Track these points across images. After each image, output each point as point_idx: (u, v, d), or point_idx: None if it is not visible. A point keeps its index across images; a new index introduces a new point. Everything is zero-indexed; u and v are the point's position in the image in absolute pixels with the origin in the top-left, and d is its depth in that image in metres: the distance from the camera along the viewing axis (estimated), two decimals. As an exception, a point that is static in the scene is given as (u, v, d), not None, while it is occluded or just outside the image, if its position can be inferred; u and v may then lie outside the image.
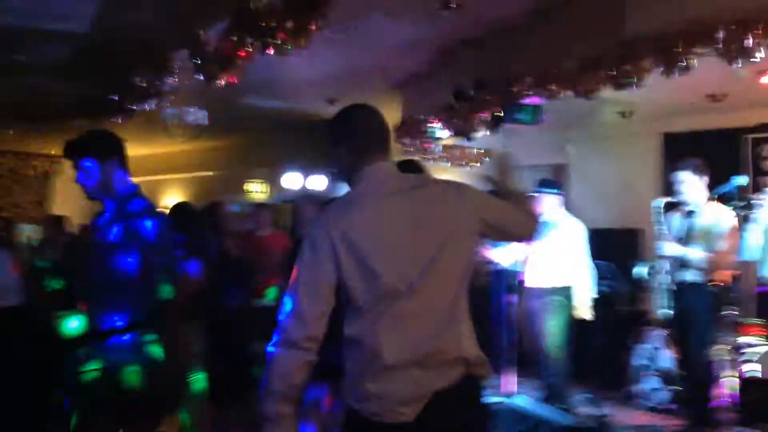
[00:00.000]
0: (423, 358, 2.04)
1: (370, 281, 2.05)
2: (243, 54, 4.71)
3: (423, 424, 2.02)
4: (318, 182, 9.61)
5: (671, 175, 5.28)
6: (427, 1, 5.34)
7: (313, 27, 4.16)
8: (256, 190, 11.58)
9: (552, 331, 5.60)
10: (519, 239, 2.62)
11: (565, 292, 5.68)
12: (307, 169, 9.74)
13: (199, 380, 4.04)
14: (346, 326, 2.11)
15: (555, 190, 5.89)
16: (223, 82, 5.01)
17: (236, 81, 4.76)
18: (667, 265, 5.32)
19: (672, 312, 5.40)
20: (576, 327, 5.70)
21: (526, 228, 2.38)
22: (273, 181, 10.98)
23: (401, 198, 2.13)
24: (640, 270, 5.74)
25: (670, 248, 5.13)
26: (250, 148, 11.31)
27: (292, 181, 9.74)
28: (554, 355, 5.60)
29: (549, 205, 5.80)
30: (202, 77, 5.07)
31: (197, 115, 5.89)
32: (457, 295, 2.14)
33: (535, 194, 5.76)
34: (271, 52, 4.44)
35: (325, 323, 2.08)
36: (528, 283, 5.82)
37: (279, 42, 4.33)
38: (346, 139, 2.20)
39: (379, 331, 2.05)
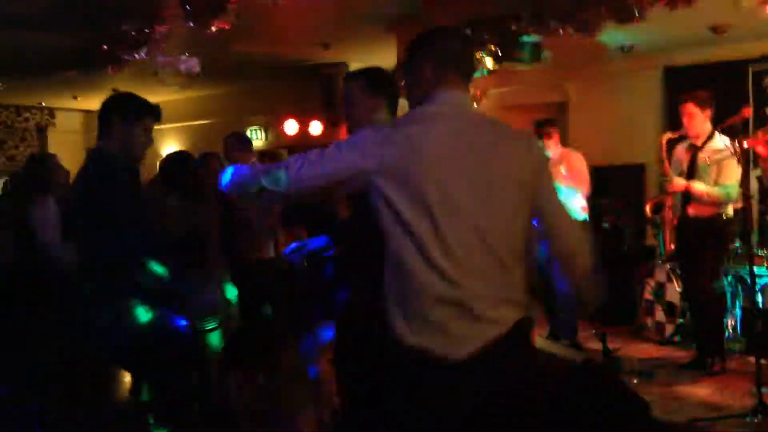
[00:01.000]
0: (486, 294, 1.97)
1: (431, 201, 1.94)
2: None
3: (479, 363, 1.94)
4: (316, 128, 9.52)
5: (677, 107, 5.20)
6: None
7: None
8: (254, 138, 11.47)
9: None
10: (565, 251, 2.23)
11: None
12: (306, 115, 9.62)
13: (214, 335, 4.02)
14: (396, 253, 1.99)
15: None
16: (214, 29, 4.89)
17: (228, 27, 4.64)
18: (671, 200, 5.30)
19: (678, 246, 5.42)
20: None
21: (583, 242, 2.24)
22: (271, 127, 10.88)
23: (473, 128, 2.06)
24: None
25: (676, 183, 5.10)
26: (246, 96, 11.14)
27: (291, 127, 9.63)
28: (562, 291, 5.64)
29: (551, 144, 5.79)
30: (192, 24, 4.94)
31: (189, 63, 5.77)
32: (517, 236, 2.06)
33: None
34: (264, -5, 4.31)
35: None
36: None
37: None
38: (427, 58, 2.12)
39: (438, 258, 1.94)
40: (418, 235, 1.95)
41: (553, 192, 2.17)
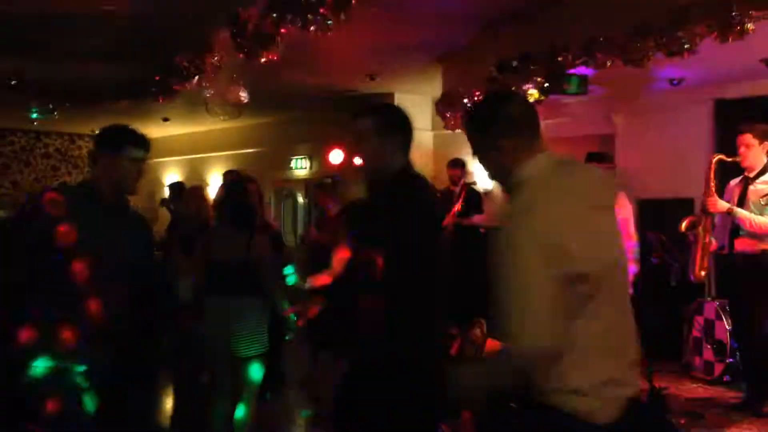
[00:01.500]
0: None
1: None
2: (284, 31, 4.67)
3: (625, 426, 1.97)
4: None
5: (728, 140, 5.11)
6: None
7: (353, 1, 4.10)
8: (300, 167, 11.62)
9: None
10: None
11: None
12: (351, 145, 9.72)
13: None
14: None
15: (605, 162, 5.81)
16: (263, 60, 4.99)
17: (277, 58, 4.73)
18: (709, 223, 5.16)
19: (725, 283, 5.29)
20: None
21: None
22: (317, 156, 11.00)
23: (593, 189, 2.12)
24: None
25: (718, 204, 4.99)
26: (293, 125, 11.33)
27: (336, 156, 9.73)
28: None
29: None
30: (242, 55, 5.05)
31: (237, 93, 5.88)
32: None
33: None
34: (313, 29, 4.40)
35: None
36: None
37: (320, 17, 4.27)
38: (503, 128, 2.07)
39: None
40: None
41: None
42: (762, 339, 4.95)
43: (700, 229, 5.16)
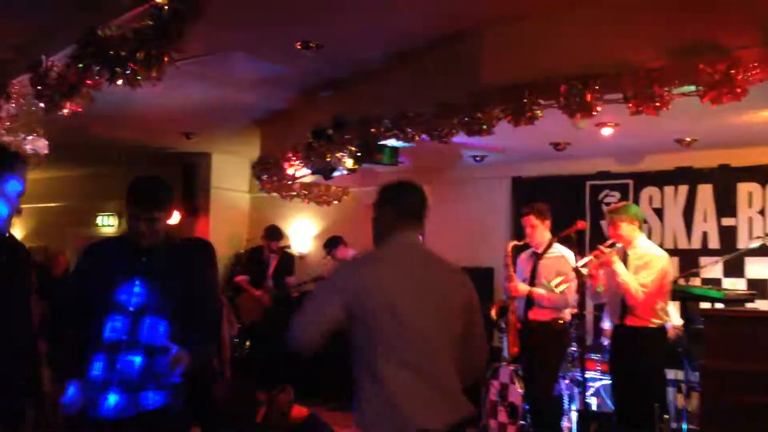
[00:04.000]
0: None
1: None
2: (90, 83, 4.47)
3: None
4: (173, 217, 9.24)
5: (522, 218, 5.55)
6: (287, 41, 5.33)
7: (166, 59, 4.02)
8: (108, 224, 11.02)
9: None
10: (469, 367, 2.70)
11: None
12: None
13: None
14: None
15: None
16: (66, 111, 4.72)
17: (81, 110, 4.50)
18: (515, 304, 5.56)
19: (521, 348, 5.64)
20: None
21: (480, 363, 2.84)
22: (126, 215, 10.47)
23: (414, 265, 2.60)
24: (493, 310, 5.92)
25: (520, 288, 5.37)
26: (100, 180, 10.75)
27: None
28: None
29: None
30: (43, 105, 4.75)
31: (36, 144, 5.50)
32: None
33: None
34: (121, 83, 4.24)
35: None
36: None
37: (129, 72, 4.14)
38: (393, 205, 2.67)
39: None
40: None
41: (478, 323, 2.70)
42: (549, 401, 5.30)
43: (510, 313, 5.54)
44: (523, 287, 5.36)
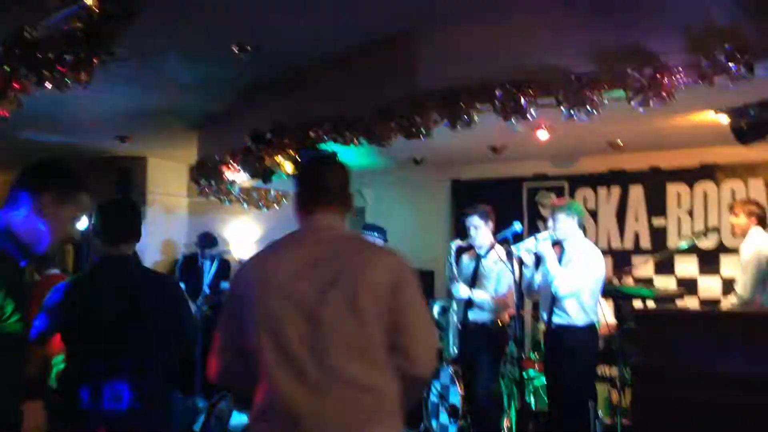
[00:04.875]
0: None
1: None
2: (17, 86, 4.32)
3: None
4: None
5: (463, 219, 5.60)
6: (223, 43, 5.26)
7: (96, 61, 3.92)
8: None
9: None
10: (411, 364, 2.17)
11: None
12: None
13: None
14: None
15: (379, 234, 6.15)
16: (-8, 115, 4.55)
17: (7, 115, 4.35)
18: (455, 305, 5.62)
19: (461, 350, 5.70)
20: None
21: (428, 359, 2.20)
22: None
23: (308, 248, 2.19)
24: (433, 310, 5.96)
25: (462, 290, 5.42)
26: (31, 185, 10.40)
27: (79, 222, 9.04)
28: None
29: None
30: (-35, 108, 4.57)
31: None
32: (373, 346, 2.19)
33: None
34: (50, 86, 4.12)
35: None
36: None
37: (58, 75, 4.02)
38: (302, 185, 2.32)
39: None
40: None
41: (414, 310, 2.17)
42: (489, 401, 5.37)
43: (450, 312, 5.58)
44: (465, 290, 5.42)
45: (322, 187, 2.28)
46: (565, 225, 5.00)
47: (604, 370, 5.76)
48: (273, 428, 2.07)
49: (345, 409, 2.04)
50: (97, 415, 2.79)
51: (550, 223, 5.14)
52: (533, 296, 5.49)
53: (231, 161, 6.83)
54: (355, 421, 2.05)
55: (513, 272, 5.14)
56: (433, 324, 2.42)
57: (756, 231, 5.30)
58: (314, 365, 2.04)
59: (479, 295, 5.40)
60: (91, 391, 2.81)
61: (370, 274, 2.12)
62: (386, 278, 2.12)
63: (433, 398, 6.36)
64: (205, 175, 7.51)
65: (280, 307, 2.08)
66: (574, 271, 4.88)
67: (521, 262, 5.07)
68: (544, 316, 5.18)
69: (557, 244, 5.10)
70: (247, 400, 2.16)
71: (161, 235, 9.43)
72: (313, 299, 2.07)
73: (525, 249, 5.05)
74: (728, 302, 5.78)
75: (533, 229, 7.48)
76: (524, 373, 5.60)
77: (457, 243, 5.68)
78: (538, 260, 5.10)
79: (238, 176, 7.03)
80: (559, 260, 4.99)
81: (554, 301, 4.96)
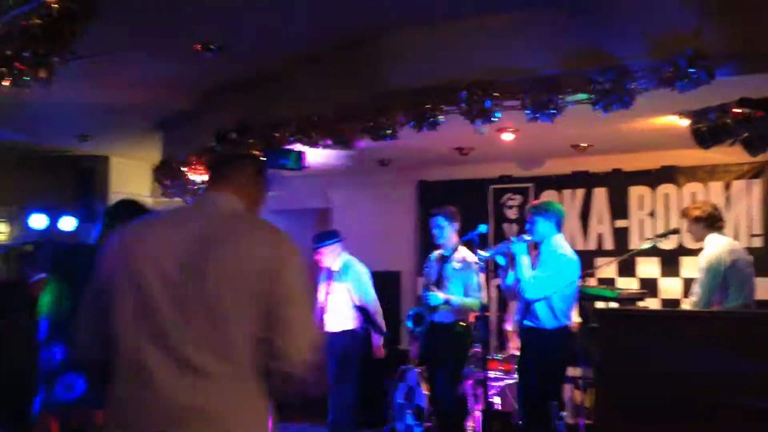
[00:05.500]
0: None
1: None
2: (-27, 83, 4.21)
3: None
4: (68, 223, 8.85)
5: (430, 220, 5.59)
6: (186, 42, 5.20)
7: (56, 59, 3.84)
8: (-4, 231, 10.42)
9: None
10: (281, 362, 1.92)
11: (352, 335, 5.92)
12: (57, 209, 8.96)
13: None
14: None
15: (334, 240, 6.08)
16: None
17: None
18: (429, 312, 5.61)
19: (425, 351, 5.70)
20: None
21: (300, 358, 1.91)
22: (16, 221, 9.95)
23: (184, 225, 1.98)
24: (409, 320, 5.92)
25: (439, 296, 5.39)
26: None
27: (38, 221, 8.87)
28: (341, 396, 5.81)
29: (331, 256, 6.02)
30: None
31: None
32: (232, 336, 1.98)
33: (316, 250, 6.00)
34: (7, 83, 4.02)
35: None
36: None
37: (16, 73, 3.93)
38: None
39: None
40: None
41: (285, 299, 1.93)
42: (453, 402, 5.39)
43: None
44: (440, 295, 5.40)
45: (221, 171, 2.11)
46: (541, 227, 4.98)
47: (568, 370, 5.80)
48: (129, 411, 1.86)
49: (196, 398, 1.83)
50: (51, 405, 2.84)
51: (527, 225, 5.13)
52: (511, 297, 5.49)
53: (195, 161, 6.76)
54: (206, 411, 1.83)
55: (477, 273, 5.16)
56: (312, 315, 2.15)
57: (712, 237, 5.34)
58: (166, 351, 1.84)
59: (449, 298, 5.40)
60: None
61: (244, 254, 1.91)
62: (259, 262, 1.90)
63: (399, 400, 6.36)
64: (169, 175, 7.42)
65: (146, 286, 1.88)
66: (544, 276, 4.85)
67: (496, 265, 5.08)
68: (518, 317, 5.19)
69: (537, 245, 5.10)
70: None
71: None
72: (176, 280, 1.87)
73: (490, 254, 5.08)
74: (686, 304, 5.87)
75: (499, 231, 7.55)
76: (489, 374, 5.65)
77: (436, 252, 5.68)
78: (513, 261, 5.08)
79: (202, 177, 6.95)
80: (537, 262, 4.98)
81: (526, 303, 4.97)
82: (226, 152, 2.47)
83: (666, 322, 4.32)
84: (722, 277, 5.14)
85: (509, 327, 6.58)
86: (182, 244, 1.92)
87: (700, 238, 5.38)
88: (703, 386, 3.86)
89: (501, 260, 5.12)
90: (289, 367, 1.90)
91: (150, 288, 1.88)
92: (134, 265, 1.91)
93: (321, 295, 6.02)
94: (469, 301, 5.37)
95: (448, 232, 5.45)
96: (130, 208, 3.01)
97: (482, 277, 5.55)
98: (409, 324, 5.74)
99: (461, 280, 5.42)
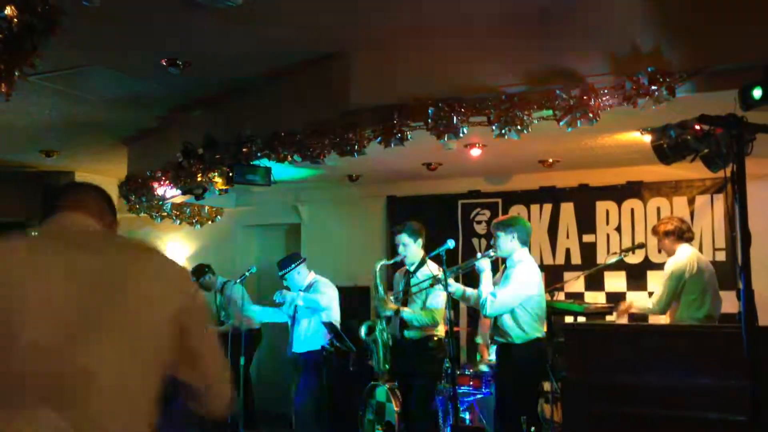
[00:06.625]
0: None
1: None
2: (-68, 98, 4.12)
3: None
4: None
5: (393, 236, 5.61)
6: (152, 57, 5.16)
7: (17, 74, 3.77)
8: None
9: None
10: (205, 407, 1.86)
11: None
12: (26, 227, 8.80)
13: None
14: None
15: (297, 263, 6.19)
16: None
17: None
18: (383, 324, 5.60)
19: (392, 366, 5.69)
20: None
21: (224, 402, 1.87)
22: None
23: (66, 254, 1.70)
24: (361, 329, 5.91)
25: (390, 306, 5.41)
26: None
27: None
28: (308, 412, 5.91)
29: (299, 278, 6.17)
30: None
31: None
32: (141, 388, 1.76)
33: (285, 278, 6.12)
34: (-34, 98, 3.94)
35: None
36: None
37: (-25, 87, 3.85)
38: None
39: None
40: None
41: (200, 342, 1.83)
42: (424, 418, 5.37)
43: (377, 331, 5.56)
44: (393, 306, 5.41)
45: (72, 197, 1.90)
46: (504, 243, 5.00)
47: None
48: None
49: None
50: None
51: (492, 240, 5.16)
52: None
53: (162, 176, 6.69)
54: None
55: (447, 289, 5.16)
56: (222, 352, 1.97)
57: (682, 248, 5.48)
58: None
59: (408, 312, 5.39)
60: None
61: (146, 292, 1.72)
62: (178, 298, 1.77)
63: (369, 416, 6.32)
64: (135, 191, 7.33)
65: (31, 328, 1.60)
66: (503, 291, 4.86)
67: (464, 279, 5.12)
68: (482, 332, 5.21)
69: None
70: None
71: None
72: (72, 325, 1.62)
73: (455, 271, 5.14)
74: (648, 302, 5.93)
75: (467, 246, 7.57)
76: (459, 389, 5.64)
77: (383, 262, 5.68)
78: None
79: (169, 192, 6.89)
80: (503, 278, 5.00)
81: (493, 319, 4.99)
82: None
83: (628, 337, 4.36)
84: (683, 284, 5.32)
85: (479, 341, 6.59)
86: (71, 284, 1.69)
87: (671, 251, 5.51)
88: (668, 400, 3.90)
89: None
90: (217, 410, 1.88)
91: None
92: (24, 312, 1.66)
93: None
94: (421, 316, 5.34)
95: (411, 248, 5.45)
96: None
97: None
98: (363, 330, 5.74)
99: (425, 296, 5.42)
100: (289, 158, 5.58)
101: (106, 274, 1.70)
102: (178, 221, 8.22)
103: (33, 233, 1.89)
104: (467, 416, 6.15)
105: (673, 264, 5.43)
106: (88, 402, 1.60)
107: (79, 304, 1.64)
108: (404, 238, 5.44)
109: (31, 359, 1.59)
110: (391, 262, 5.65)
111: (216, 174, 6.19)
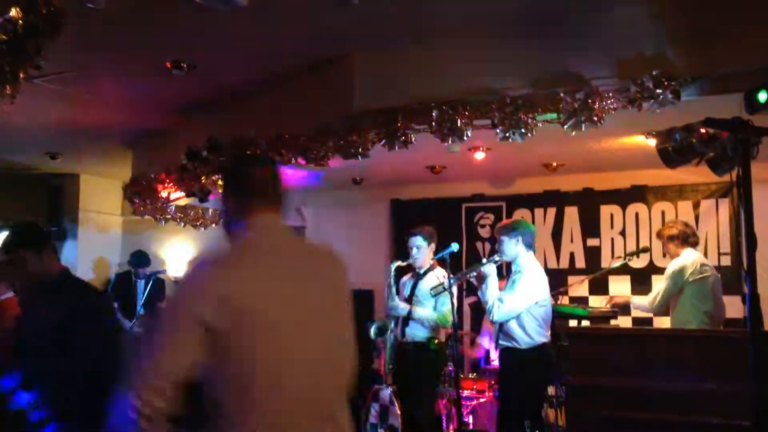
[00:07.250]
0: None
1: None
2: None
3: None
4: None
5: (409, 239, 5.55)
6: (157, 60, 5.17)
7: (22, 76, 3.78)
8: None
9: None
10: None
11: None
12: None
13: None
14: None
15: None
16: None
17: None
18: (393, 325, 5.58)
19: (397, 369, 5.66)
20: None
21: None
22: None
23: (289, 260, 2.01)
24: (372, 329, 5.89)
25: (401, 306, 5.40)
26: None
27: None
28: None
29: None
30: None
31: None
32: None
33: None
34: (-29, 100, 3.95)
35: None
36: None
37: (-20, 89, 3.86)
38: (236, 184, 2.08)
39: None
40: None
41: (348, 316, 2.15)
42: (427, 421, 5.34)
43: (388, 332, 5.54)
44: (404, 307, 5.39)
45: (268, 187, 2.06)
46: (509, 247, 4.95)
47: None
48: None
49: None
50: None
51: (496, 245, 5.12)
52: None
53: (166, 179, 6.70)
54: None
55: (451, 293, 5.14)
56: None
57: (686, 251, 5.46)
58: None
59: (420, 311, 5.38)
60: None
61: (341, 281, 2.16)
62: (347, 284, 2.17)
63: (372, 419, 6.30)
64: (140, 193, 7.34)
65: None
66: (510, 297, 4.81)
67: (468, 284, 5.08)
68: (484, 336, 5.19)
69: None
70: None
71: (94, 254, 9.17)
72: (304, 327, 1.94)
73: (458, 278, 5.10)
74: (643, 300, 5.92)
75: (472, 249, 7.56)
76: (462, 393, 5.62)
77: (398, 263, 5.66)
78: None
79: (173, 194, 6.89)
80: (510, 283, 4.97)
81: (498, 324, 4.95)
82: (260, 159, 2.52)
83: (631, 341, 4.34)
84: (682, 287, 5.33)
85: (484, 345, 6.58)
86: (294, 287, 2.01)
87: (675, 256, 5.50)
88: (673, 404, 3.87)
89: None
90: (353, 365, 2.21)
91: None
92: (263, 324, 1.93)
93: None
94: (434, 315, 5.34)
95: (424, 251, 5.45)
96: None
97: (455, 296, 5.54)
98: (373, 330, 5.70)
99: (433, 300, 5.41)
100: (293, 161, 5.57)
101: (328, 293, 2.06)
102: (182, 224, 8.22)
103: (246, 245, 2.01)
104: (471, 419, 6.13)
105: (673, 267, 5.42)
106: (341, 410, 2.01)
107: (318, 317, 1.97)
108: (419, 241, 5.43)
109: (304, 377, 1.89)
110: (406, 263, 5.61)
111: (220, 177, 6.19)
